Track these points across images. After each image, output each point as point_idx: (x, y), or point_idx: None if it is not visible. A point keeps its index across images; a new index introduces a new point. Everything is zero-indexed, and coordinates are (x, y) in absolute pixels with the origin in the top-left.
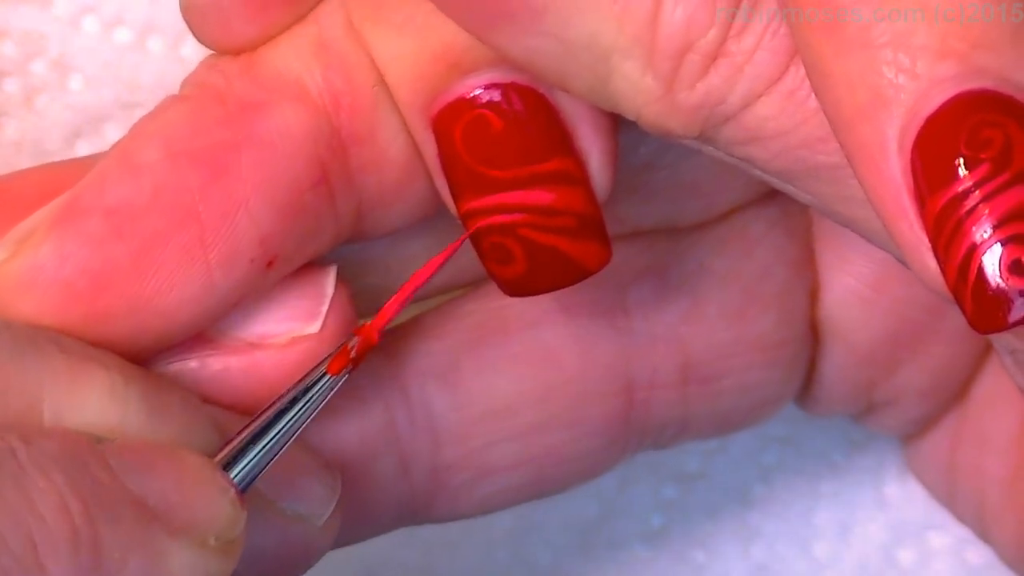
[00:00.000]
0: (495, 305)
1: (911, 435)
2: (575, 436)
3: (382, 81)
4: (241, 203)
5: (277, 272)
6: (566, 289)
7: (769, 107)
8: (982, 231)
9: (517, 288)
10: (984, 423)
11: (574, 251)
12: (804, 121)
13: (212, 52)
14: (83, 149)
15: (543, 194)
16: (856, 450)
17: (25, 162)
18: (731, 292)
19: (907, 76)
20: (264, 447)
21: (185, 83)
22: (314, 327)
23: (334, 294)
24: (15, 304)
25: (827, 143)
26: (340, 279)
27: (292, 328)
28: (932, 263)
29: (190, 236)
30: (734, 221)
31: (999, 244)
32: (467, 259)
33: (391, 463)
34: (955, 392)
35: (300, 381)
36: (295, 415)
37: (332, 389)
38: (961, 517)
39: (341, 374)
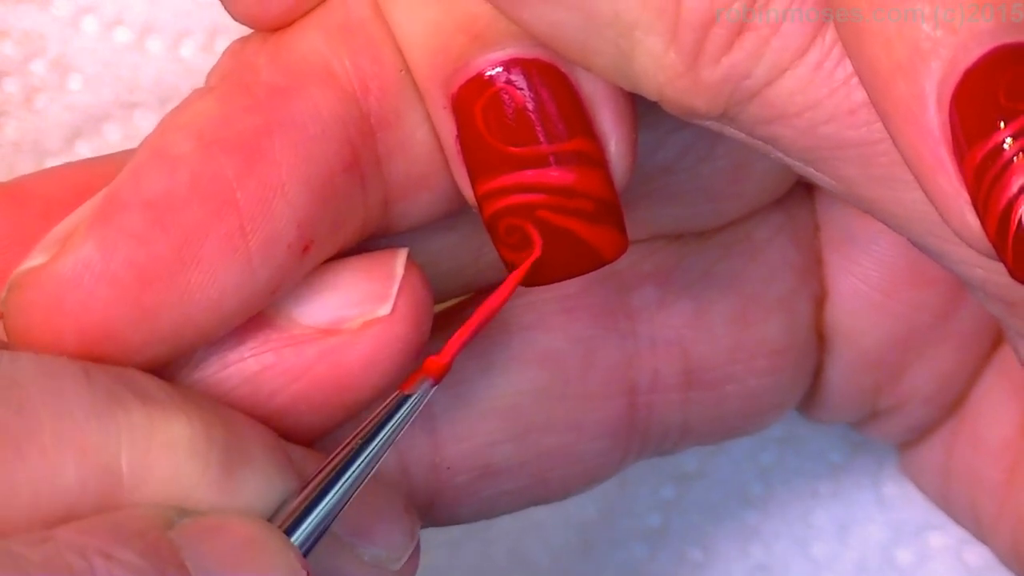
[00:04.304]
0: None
1: (908, 443)
2: (577, 438)
3: (406, 65)
4: (277, 187)
5: (312, 258)
6: (569, 292)
7: (795, 81)
8: (1022, 181)
9: (530, 275)
10: (979, 428)
11: (591, 236)
12: (831, 94)
13: (230, 47)
14: (83, 149)
15: (563, 174)
16: (855, 450)
17: (25, 162)
18: (735, 297)
19: (945, 30)
20: (334, 497)
21: (210, 75)
22: (385, 308)
23: (404, 275)
24: (61, 306)
25: (855, 115)
26: (411, 261)
27: (363, 312)
28: (972, 217)
29: (230, 224)
30: (740, 226)
31: None
32: (472, 270)
33: (389, 460)
34: (957, 398)
35: (362, 427)
36: (362, 460)
37: (400, 428)
38: (958, 520)
39: (403, 413)
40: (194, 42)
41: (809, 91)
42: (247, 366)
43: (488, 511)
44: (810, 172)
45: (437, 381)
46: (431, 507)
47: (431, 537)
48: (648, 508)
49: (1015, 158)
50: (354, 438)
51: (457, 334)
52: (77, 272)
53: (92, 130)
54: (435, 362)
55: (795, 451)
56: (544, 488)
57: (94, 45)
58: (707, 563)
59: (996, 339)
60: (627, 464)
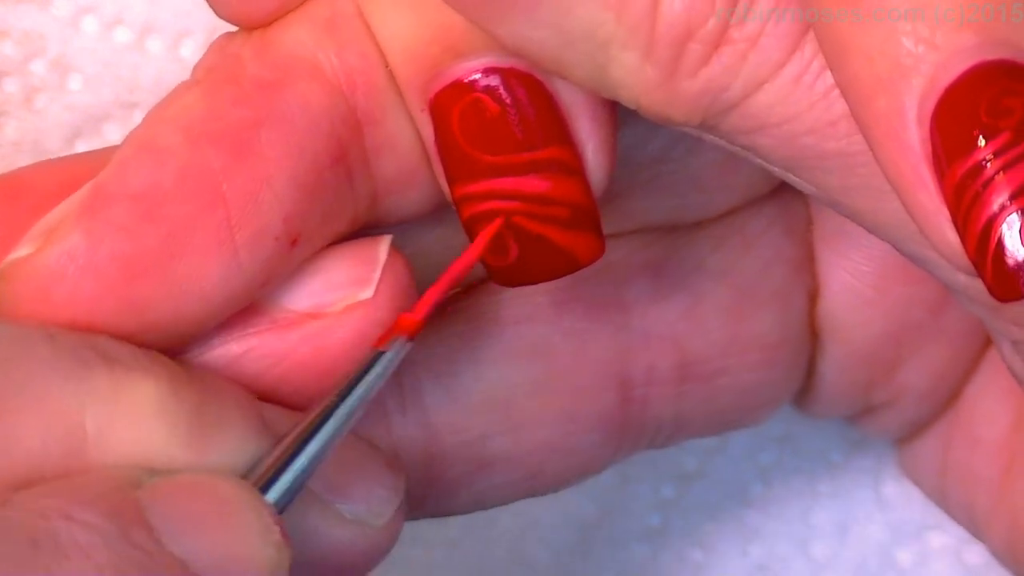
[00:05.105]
0: (489, 300)
1: (905, 438)
2: (570, 431)
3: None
4: (264, 181)
5: (300, 252)
6: (562, 284)
7: (774, 93)
8: (1002, 200)
9: (508, 277)
10: (974, 425)
11: (565, 242)
12: (811, 106)
13: (215, 41)
14: (83, 149)
15: (538, 182)
16: (854, 450)
17: (24, 162)
18: (729, 290)
19: (927, 46)
20: (309, 454)
21: (196, 69)
22: (367, 292)
23: (387, 260)
24: (48, 298)
25: (835, 127)
26: (394, 248)
27: (345, 295)
28: (951, 234)
29: (217, 217)
30: (733, 219)
31: (1019, 213)
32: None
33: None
34: (951, 394)
35: (338, 386)
36: (337, 417)
37: (376, 384)
38: (954, 516)
39: (379, 370)
40: (194, 42)
41: (788, 103)
42: (229, 349)
43: (482, 503)
44: (792, 179)
45: (411, 338)
46: (425, 499)
47: (431, 535)
48: (648, 508)
49: (996, 176)
50: (330, 395)
51: (430, 291)
52: (62, 264)
53: (92, 130)
54: (408, 319)
55: (794, 451)
56: (538, 480)
57: (94, 45)
58: (707, 563)
59: (989, 337)
60: (620, 457)
